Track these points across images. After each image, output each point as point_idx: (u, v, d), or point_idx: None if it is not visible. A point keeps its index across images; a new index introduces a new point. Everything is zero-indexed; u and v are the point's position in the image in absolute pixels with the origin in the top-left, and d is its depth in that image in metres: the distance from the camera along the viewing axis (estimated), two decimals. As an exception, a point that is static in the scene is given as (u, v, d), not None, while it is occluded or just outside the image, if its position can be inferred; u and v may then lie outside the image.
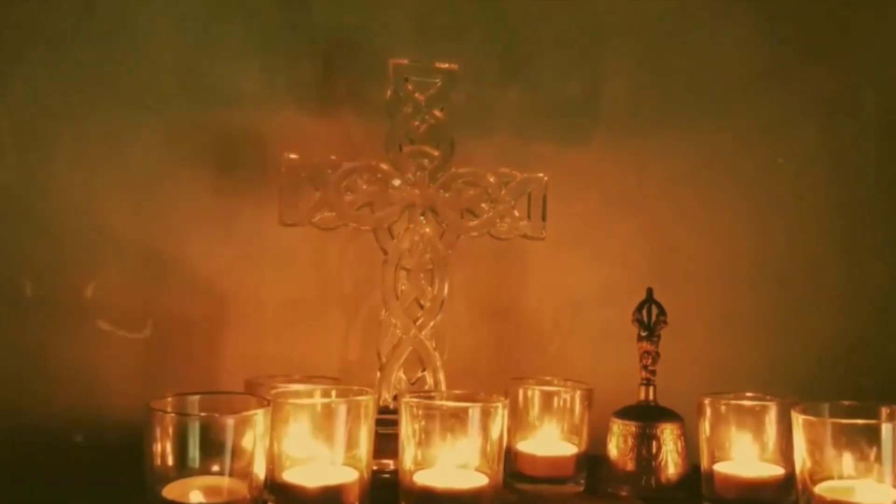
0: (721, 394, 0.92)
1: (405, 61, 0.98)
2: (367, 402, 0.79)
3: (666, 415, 0.96)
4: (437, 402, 0.82)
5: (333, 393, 0.82)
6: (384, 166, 0.97)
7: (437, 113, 0.99)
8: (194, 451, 0.68)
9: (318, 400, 0.81)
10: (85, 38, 1.04)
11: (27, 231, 1.02)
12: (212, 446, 0.68)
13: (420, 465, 0.77)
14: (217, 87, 1.09)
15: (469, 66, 1.05)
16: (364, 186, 0.97)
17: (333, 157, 0.96)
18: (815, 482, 0.77)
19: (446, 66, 0.99)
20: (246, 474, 0.69)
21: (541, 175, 1.02)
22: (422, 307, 0.99)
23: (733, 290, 1.25)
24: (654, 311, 0.98)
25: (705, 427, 0.91)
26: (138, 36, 1.06)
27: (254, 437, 0.70)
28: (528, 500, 0.91)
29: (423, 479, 0.76)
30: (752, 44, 1.26)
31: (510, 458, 0.94)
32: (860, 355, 1.27)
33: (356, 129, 1.11)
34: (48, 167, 1.03)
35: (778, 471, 0.88)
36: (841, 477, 0.76)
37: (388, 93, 0.98)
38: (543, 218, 1.02)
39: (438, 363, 0.98)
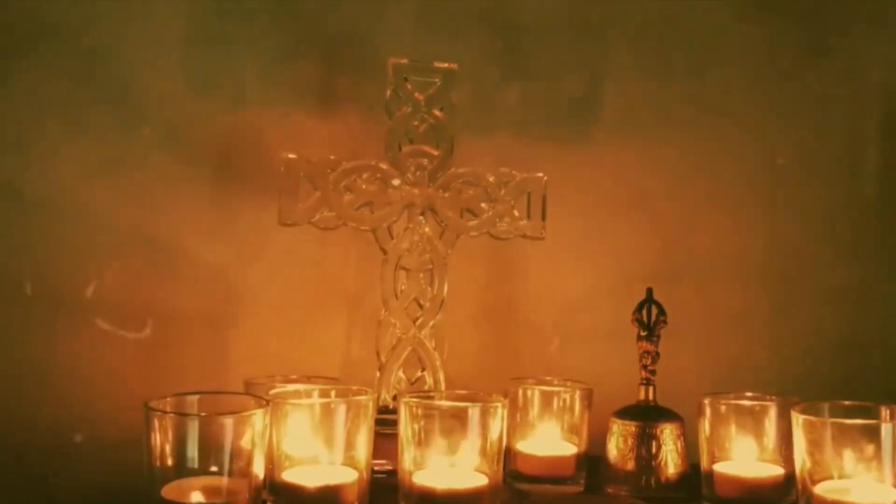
0: (721, 394, 0.92)
1: (405, 61, 0.98)
2: (367, 402, 0.79)
3: (666, 415, 0.96)
4: (437, 402, 0.82)
5: (333, 393, 0.82)
6: (384, 166, 0.97)
7: (437, 113, 0.99)
8: (193, 451, 0.68)
9: (317, 400, 0.81)
10: (86, 37, 1.04)
11: (27, 229, 1.02)
12: (211, 446, 0.68)
13: (419, 465, 0.77)
14: (217, 86, 1.09)
15: (469, 65, 1.05)
16: (363, 186, 0.97)
17: (333, 157, 0.96)
18: (814, 482, 0.77)
19: (446, 65, 0.99)
20: (245, 474, 0.69)
21: (540, 175, 1.02)
22: (421, 307, 0.99)
23: (733, 289, 1.25)
24: (654, 311, 0.98)
25: (705, 427, 0.91)
26: (139, 35, 1.06)
27: (253, 437, 0.70)
28: (528, 500, 0.91)
29: (422, 479, 0.76)
30: (753, 43, 1.26)
31: (510, 457, 0.94)
32: (860, 355, 1.27)
33: (355, 129, 1.11)
34: (49, 166, 1.02)
35: (778, 471, 0.88)
36: (841, 477, 0.76)
37: (388, 92, 0.98)
38: (543, 217, 1.02)
39: (438, 363, 0.98)
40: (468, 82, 1.04)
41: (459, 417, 0.77)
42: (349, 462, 0.78)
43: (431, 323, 0.98)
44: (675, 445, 0.94)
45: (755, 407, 0.90)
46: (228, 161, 1.09)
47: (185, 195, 1.07)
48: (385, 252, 0.98)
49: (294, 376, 0.95)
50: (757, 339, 1.25)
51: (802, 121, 1.28)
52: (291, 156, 0.94)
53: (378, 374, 0.97)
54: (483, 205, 1.00)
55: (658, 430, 0.94)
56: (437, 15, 1.16)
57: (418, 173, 0.98)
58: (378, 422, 0.82)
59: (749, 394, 0.92)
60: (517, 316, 1.20)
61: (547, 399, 0.96)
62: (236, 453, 0.69)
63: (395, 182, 0.97)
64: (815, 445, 0.77)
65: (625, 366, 1.00)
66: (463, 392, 0.82)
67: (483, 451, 0.77)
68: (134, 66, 1.06)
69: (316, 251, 1.11)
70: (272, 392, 0.80)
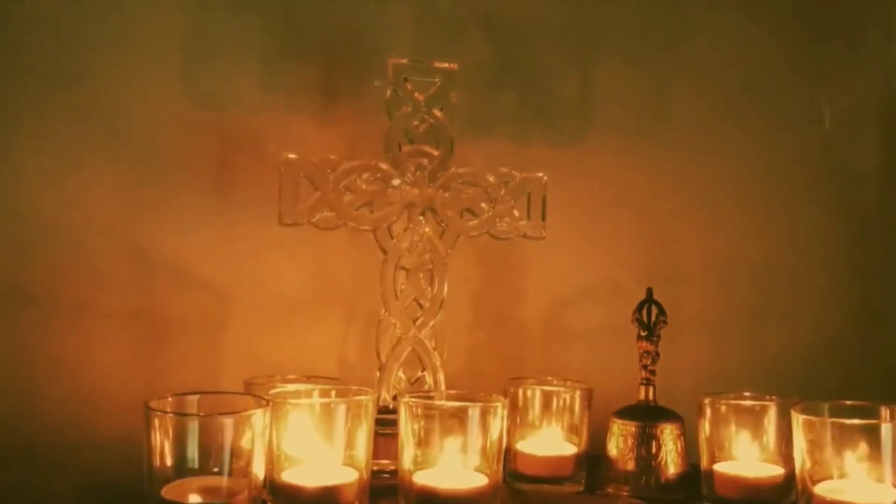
0: (721, 394, 0.92)
1: (405, 61, 0.98)
2: (367, 402, 0.79)
3: (666, 415, 0.96)
4: (437, 402, 0.82)
5: (332, 393, 0.82)
6: (383, 166, 0.97)
7: (437, 113, 0.99)
8: (193, 451, 0.68)
9: (317, 400, 0.81)
10: (83, 37, 1.04)
11: (25, 230, 1.02)
12: (211, 446, 0.68)
13: (419, 465, 0.77)
14: (217, 86, 1.09)
15: (468, 65, 1.05)
16: (363, 186, 0.96)
17: (333, 157, 0.96)
18: (815, 482, 0.77)
19: (446, 65, 0.99)
20: (245, 474, 0.69)
21: (540, 175, 1.02)
22: (421, 307, 0.99)
23: (733, 289, 1.25)
24: (654, 311, 0.98)
25: (705, 427, 0.91)
26: (138, 36, 1.06)
27: (252, 437, 0.70)
28: (528, 500, 0.91)
29: (422, 479, 0.76)
30: (751, 43, 1.26)
31: (510, 458, 0.94)
32: (860, 355, 1.27)
33: (355, 129, 1.11)
34: (47, 168, 1.02)
35: (778, 471, 0.88)
36: (841, 477, 0.76)
37: (388, 92, 0.98)
38: (543, 217, 1.02)
39: (438, 363, 0.98)
40: (467, 82, 1.04)
41: (459, 417, 0.77)
42: (349, 462, 0.78)
43: (431, 323, 0.98)
44: (675, 445, 0.94)
45: (755, 407, 0.90)
46: (228, 161, 1.09)
47: (185, 195, 1.07)
48: (385, 252, 0.98)
49: (294, 376, 0.95)
50: (756, 338, 1.25)
51: (800, 122, 1.28)
52: (291, 156, 0.94)
53: (378, 374, 0.97)
54: (483, 205, 1.00)
55: (658, 430, 0.94)
56: (436, 15, 1.16)
57: (418, 173, 0.98)
58: (378, 422, 0.82)
59: (749, 394, 0.92)
60: (517, 316, 1.20)
61: (547, 399, 0.96)
62: (236, 453, 0.69)
63: (395, 182, 0.97)
64: (815, 445, 0.77)
65: (625, 366, 1.00)
66: (463, 392, 0.83)
67: (483, 451, 0.77)
68: (132, 66, 1.06)
69: (316, 251, 1.11)
70: (272, 392, 0.80)
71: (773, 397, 0.90)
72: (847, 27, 1.29)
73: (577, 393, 0.95)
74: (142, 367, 1.05)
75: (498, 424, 0.77)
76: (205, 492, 0.68)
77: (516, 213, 1.01)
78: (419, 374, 0.98)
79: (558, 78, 1.21)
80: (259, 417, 0.70)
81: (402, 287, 0.98)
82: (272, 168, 0.96)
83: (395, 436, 0.79)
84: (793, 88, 1.27)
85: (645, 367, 0.97)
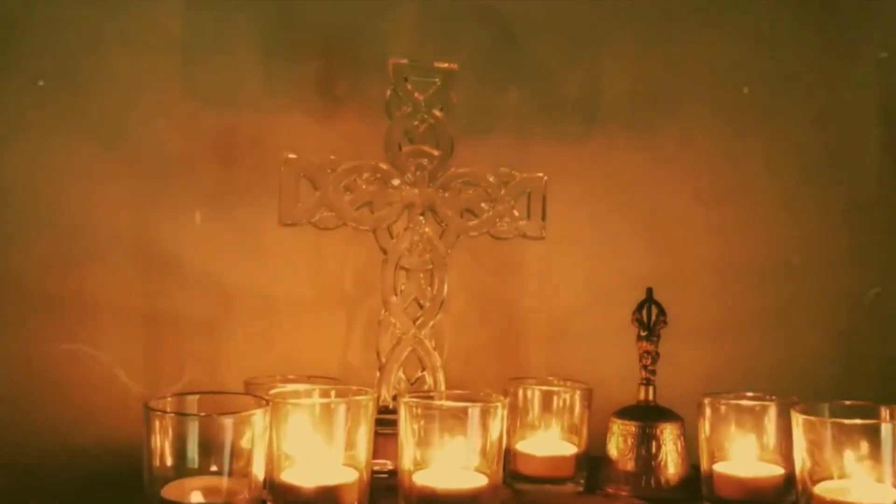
0: (721, 394, 0.92)
1: (405, 61, 0.98)
2: (367, 402, 0.79)
3: (666, 415, 0.96)
4: (437, 402, 0.82)
5: (332, 393, 0.82)
6: (383, 166, 0.97)
7: (437, 113, 0.99)
8: (193, 451, 0.68)
9: (317, 400, 0.81)
10: (85, 36, 1.04)
11: (27, 229, 1.02)
12: (211, 446, 0.68)
13: (419, 465, 0.77)
14: (217, 87, 1.09)
15: (469, 65, 1.05)
16: (363, 186, 0.97)
17: (333, 157, 0.96)
18: (814, 482, 0.77)
19: (446, 65, 0.99)
20: (245, 474, 0.69)
21: (540, 175, 1.02)
22: (421, 307, 0.99)
23: (733, 290, 1.25)
24: (654, 311, 0.98)
25: (705, 427, 0.91)
26: (139, 35, 1.06)
27: (253, 437, 0.70)
28: (528, 500, 0.91)
29: (422, 479, 0.76)
30: (751, 43, 1.26)
31: (510, 458, 0.94)
32: (860, 355, 1.27)
33: (356, 129, 1.11)
34: (47, 167, 1.02)
35: (778, 471, 0.88)
36: (841, 477, 0.76)
37: (388, 92, 0.98)
38: (543, 217, 1.02)
39: (438, 363, 0.98)
40: (468, 82, 1.04)
41: (459, 417, 0.77)
42: (349, 462, 0.77)
43: (431, 323, 0.98)
44: (675, 445, 0.94)
45: (755, 407, 0.90)
46: (229, 161, 1.09)
47: (185, 195, 1.07)
48: (385, 252, 0.98)
49: (294, 376, 0.95)
50: (757, 338, 1.25)
51: (804, 121, 1.28)
52: (291, 156, 0.94)
53: (378, 374, 0.97)
54: (483, 205, 1.00)
55: (658, 430, 0.94)
56: (437, 15, 1.16)
57: (418, 173, 0.98)
58: (378, 422, 0.82)
59: (749, 394, 0.92)
60: (517, 316, 1.20)
61: (547, 399, 0.96)
62: (236, 453, 0.69)
63: (395, 182, 0.97)
64: (815, 445, 0.77)
65: (625, 366, 1.00)
66: (463, 392, 0.83)
67: (483, 451, 0.77)
68: (133, 66, 1.06)
69: (316, 251, 1.11)
70: (272, 392, 0.80)
71: (773, 397, 0.90)
72: (847, 27, 1.29)
73: (577, 393, 0.95)
74: (142, 366, 1.05)
75: (498, 424, 0.77)
76: (205, 492, 0.68)
77: (516, 213, 1.01)
78: (419, 374, 0.98)
79: (559, 77, 1.21)
80: (259, 417, 0.70)
81: (402, 287, 0.99)
82: (272, 168, 0.96)
83: (394, 436, 0.79)
84: (794, 89, 1.27)
85: (645, 367, 0.97)
